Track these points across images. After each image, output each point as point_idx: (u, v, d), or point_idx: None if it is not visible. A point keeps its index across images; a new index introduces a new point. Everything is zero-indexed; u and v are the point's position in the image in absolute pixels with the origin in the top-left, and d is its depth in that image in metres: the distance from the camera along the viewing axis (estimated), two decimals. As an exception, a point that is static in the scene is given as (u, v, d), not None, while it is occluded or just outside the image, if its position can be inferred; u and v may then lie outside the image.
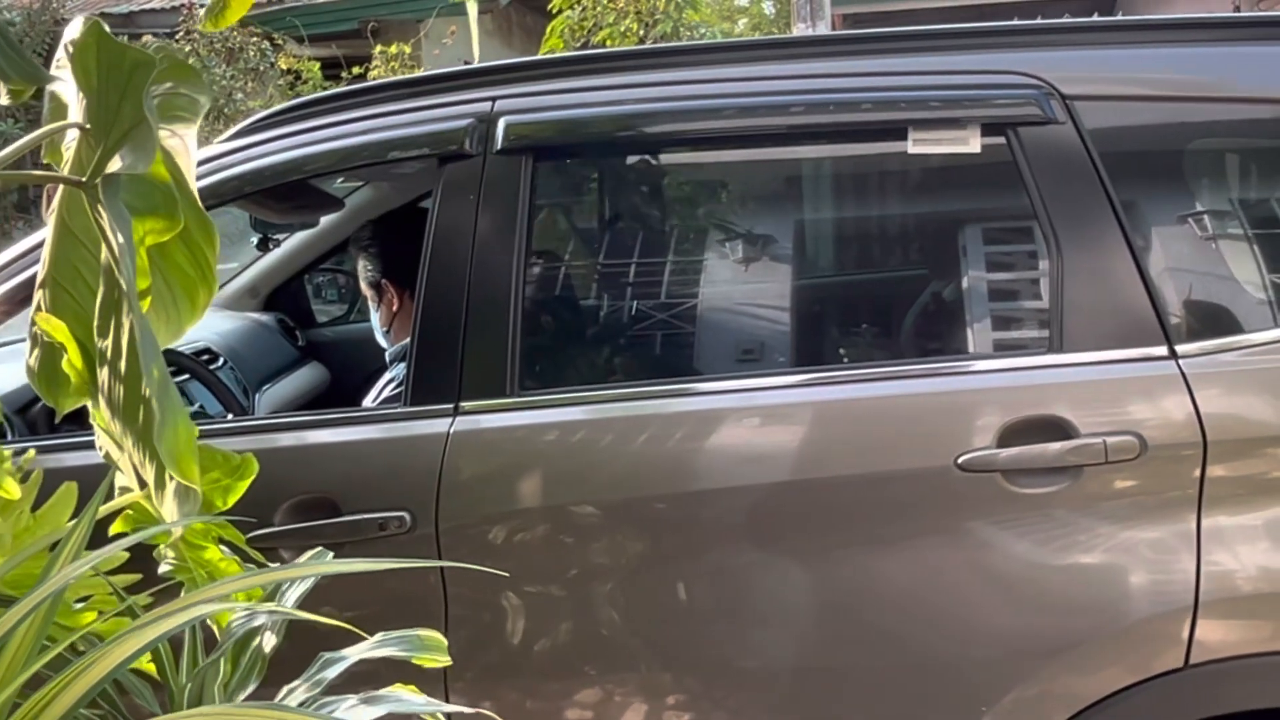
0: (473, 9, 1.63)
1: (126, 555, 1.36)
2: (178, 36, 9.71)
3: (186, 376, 3.19)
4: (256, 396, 3.51)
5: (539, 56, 2.45)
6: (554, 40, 9.18)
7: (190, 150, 1.15)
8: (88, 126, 1.06)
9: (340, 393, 3.81)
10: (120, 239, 0.93)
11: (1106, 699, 2.03)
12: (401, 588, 2.20)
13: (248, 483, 1.36)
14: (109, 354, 1.04)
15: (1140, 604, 2.02)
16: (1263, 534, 1.99)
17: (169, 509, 1.00)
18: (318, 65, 10.06)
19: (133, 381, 0.97)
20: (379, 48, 9.83)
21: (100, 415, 1.17)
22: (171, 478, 0.97)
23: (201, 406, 3.11)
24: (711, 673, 2.16)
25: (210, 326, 3.68)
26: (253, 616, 1.25)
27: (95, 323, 1.04)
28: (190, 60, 9.42)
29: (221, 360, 3.46)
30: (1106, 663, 2.03)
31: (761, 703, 2.16)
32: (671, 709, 2.17)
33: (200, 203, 1.14)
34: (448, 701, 2.19)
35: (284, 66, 9.96)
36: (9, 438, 2.58)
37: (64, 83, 1.13)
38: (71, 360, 1.21)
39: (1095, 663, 2.03)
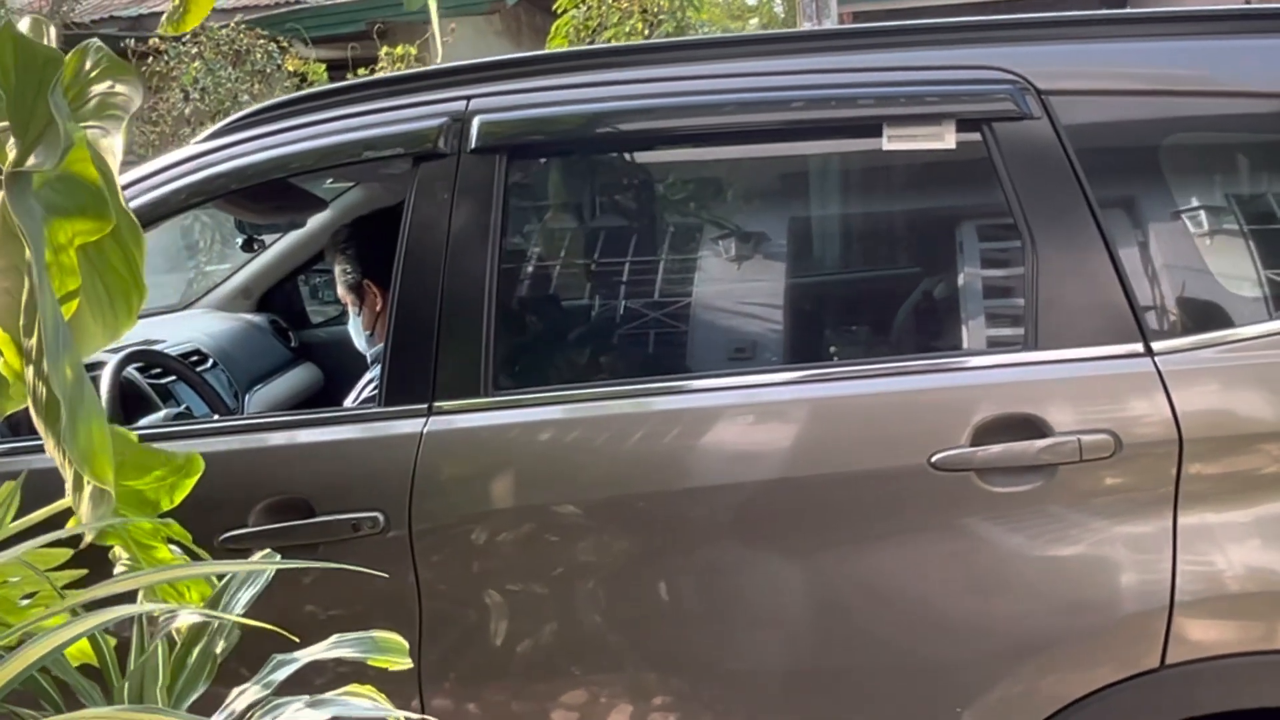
0: (434, 6, 1.62)
1: (69, 553, 1.36)
2: (185, 40, 9.74)
3: (173, 378, 3.19)
4: (247, 397, 3.52)
5: (514, 55, 2.44)
6: (559, 40, 9.17)
7: (118, 149, 1.14)
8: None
9: (333, 393, 3.81)
10: (29, 238, 0.92)
11: (1083, 699, 2.01)
12: (375, 588, 2.18)
13: (193, 481, 1.35)
14: (33, 353, 1.03)
15: (1117, 603, 2.00)
16: (1240, 533, 1.97)
17: (85, 510, 1.00)
18: (324, 67, 10.08)
19: (50, 380, 0.97)
20: (385, 49, 9.84)
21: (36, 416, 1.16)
22: (88, 480, 0.96)
23: (188, 408, 3.11)
24: (694, 672, 2.15)
25: (201, 327, 3.70)
26: (175, 615, 1.24)
27: (20, 321, 1.04)
28: (196, 63, 9.46)
29: (211, 361, 3.46)
30: (1083, 663, 2.01)
31: (742, 701, 2.15)
32: (656, 709, 2.16)
33: (125, 202, 1.14)
34: (423, 702, 2.18)
35: (291, 69, 9.98)
36: (-8, 440, 2.58)
37: None
38: (9, 361, 1.21)
39: (1071, 663, 2.01)
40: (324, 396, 3.86)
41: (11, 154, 1.14)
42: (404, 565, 2.15)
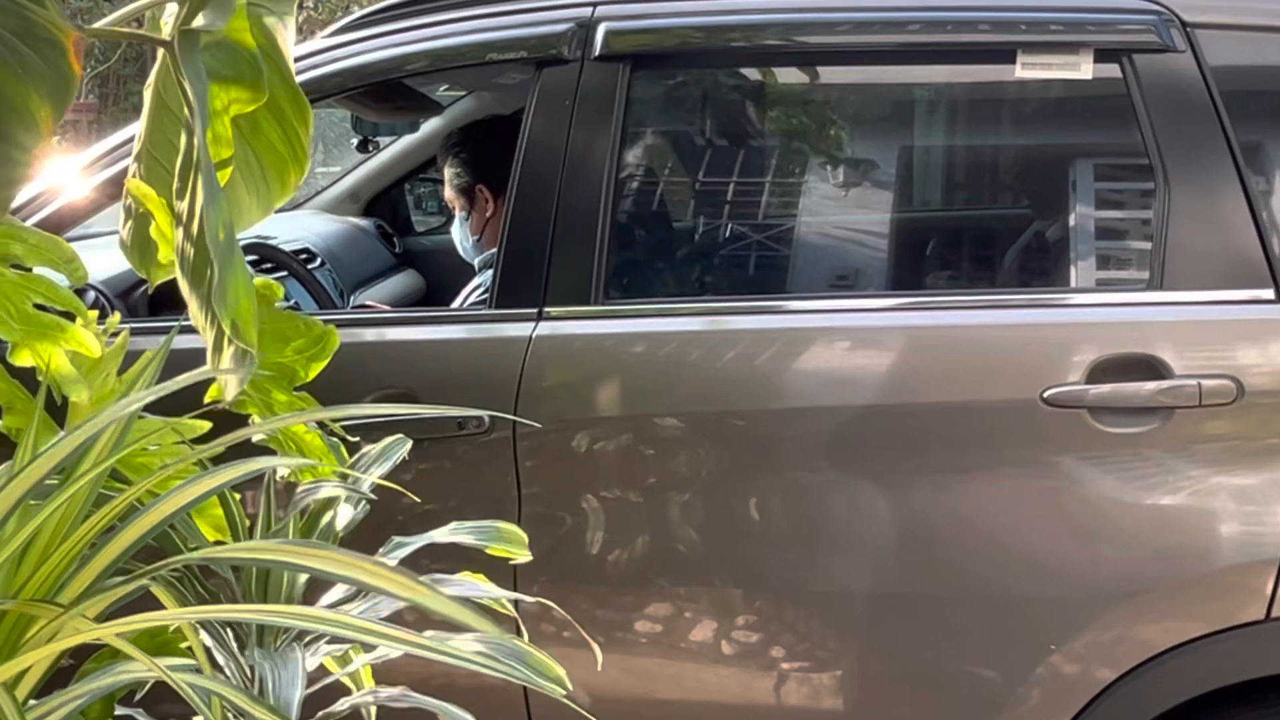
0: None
1: (208, 425, 1.39)
2: (298, -55, 9.82)
3: (285, 273, 3.24)
4: (351, 298, 3.57)
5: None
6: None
7: (289, 29, 1.15)
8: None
9: (434, 300, 3.85)
10: (195, 96, 0.93)
11: (1179, 647, 1.98)
12: (475, 487, 2.22)
13: (329, 356, 1.37)
14: (184, 215, 1.05)
15: (1224, 553, 1.97)
16: None
17: (227, 371, 1.02)
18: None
19: (201, 241, 0.99)
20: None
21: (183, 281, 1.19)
22: (231, 340, 0.98)
23: (296, 303, 3.17)
24: (782, 593, 2.16)
25: (310, 227, 3.74)
26: (319, 487, 1.27)
27: (174, 184, 1.05)
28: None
29: (319, 260, 3.51)
30: (1184, 611, 1.99)
31: (826, 625, 2.15)
32: (740, 627, 2.18)
33: (293, 77, 1.15)
34: (516, 602, 2.21)
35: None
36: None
37: None
38: (160, 227, 1.23)
39: (1172, 610, 1.99)
40: (425, 303, 3.90)
41: (167, 27, 1.16)
42: (505, 466, 2.18)
